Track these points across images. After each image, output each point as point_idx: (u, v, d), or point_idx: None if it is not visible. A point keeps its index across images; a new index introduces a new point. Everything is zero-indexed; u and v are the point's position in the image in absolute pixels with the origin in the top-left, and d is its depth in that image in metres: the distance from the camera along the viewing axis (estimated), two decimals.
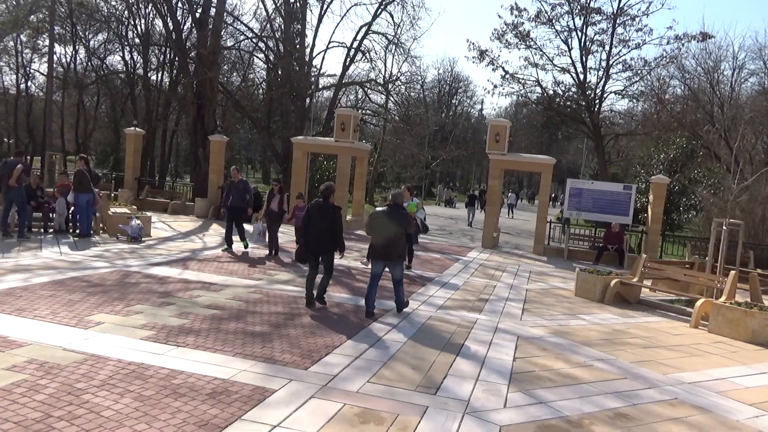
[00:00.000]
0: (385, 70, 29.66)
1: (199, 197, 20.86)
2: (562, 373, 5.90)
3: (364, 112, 34.70)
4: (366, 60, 29.68)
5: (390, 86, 30.86)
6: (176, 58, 25.70)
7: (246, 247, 12.25)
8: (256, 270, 10.22)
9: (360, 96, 35.63)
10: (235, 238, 12.17)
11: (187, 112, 24.85)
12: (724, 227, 10.29)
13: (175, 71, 31.68)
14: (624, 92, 21.41)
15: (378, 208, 7.85)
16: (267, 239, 12.58)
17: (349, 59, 29.14)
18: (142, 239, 12.53)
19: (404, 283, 8.15)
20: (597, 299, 10.41)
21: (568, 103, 21.46)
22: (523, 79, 21.72)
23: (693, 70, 30.44)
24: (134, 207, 16.32)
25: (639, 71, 20.73)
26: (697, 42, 19.68)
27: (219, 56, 22.92)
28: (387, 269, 7.71)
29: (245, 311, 7.17)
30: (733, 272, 9.30)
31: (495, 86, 23.18)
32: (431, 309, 8.39)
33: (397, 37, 29.40)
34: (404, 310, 7.99)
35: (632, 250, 17.93)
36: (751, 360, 7.24)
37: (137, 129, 21.80)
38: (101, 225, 13.39)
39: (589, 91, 21.00)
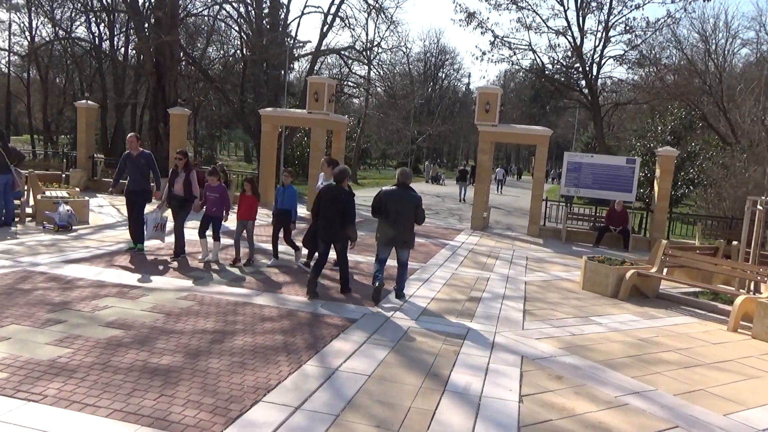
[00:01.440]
0: (367, 38, 27.43)
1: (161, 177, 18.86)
2: (589, 422, 4.20)
3: (345, 83, 32.59)
4: (346, 26, 27.52)
5: (372, 55, 28.71)
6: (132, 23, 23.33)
7: (138, 248, 8.97)
8: (203, 265, 8.42)
9: (341, 68, 33.38)
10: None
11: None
12: (760, 207, 8.62)
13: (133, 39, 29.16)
14: (623, 58, 19.60)
15: (384, 188, 7.22)
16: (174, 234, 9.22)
17: (326, 25, 26.92)
18: (73, 228, 10.63)
19: (378, 279, 7.17)
20: (609, 293, 8.74)
21: (564, 69, 19.63)
22: (514, 44, 19.82)
23: (689, 38, 28.73)
24: (76, 189, 14.35)
25: (641, 34, 18.91)
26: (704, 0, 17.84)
27: (178, 19, 20.64)
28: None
29: (160, 330, 5.37)
30: None
31: (484, 53, 21.29)
32: (411, 316, 6.65)
33: (379, 2, 27.23)
34: (382, 311, 6.31)
35: (635, 230, 16.34)
36: None
37: (89, 102, 19.61)
38: (29, 212, 11.46)
39: (587, 56, 19.18)
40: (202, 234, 8.62)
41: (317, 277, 7.15)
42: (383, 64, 32.29)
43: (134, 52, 28.65)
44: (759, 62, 37.70)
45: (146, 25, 20.82)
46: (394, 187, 7.17)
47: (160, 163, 20.14)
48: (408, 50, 54.90)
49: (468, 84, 78.09)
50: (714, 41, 36.49)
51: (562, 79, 19.83)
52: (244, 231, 8.74)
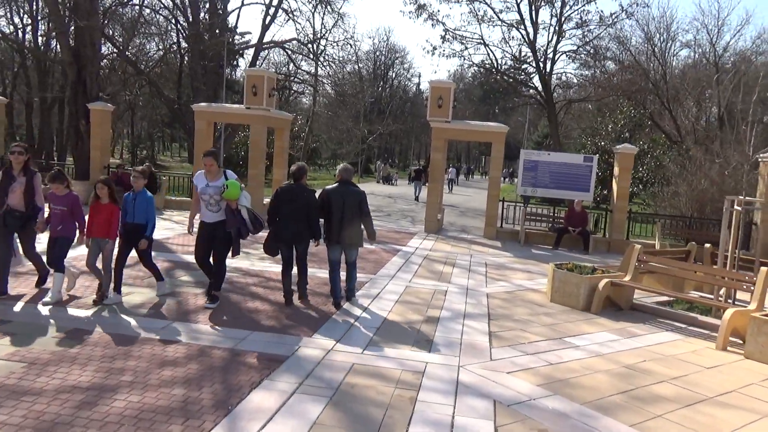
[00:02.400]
0: (313, 32, 26.04)
1: (79, 180, 16.93)
2: None
3: (292, 80, 31.07)
4: (290, 18, 26.05)
5: (318, 50, 27.35)
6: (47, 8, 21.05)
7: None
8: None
9: (288, 65, 31.78)
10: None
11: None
12: (737, 207, 7.87)
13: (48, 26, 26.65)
14: (577, 53, 19.04)
15: (328, 187, 7.02)
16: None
17: (268, 17, 25.43)
18: None
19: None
20: (581, 306, 7.79)
21: (517, 63, 18.90)
22: (466, 37, 18.94)
23: (631, 38, 28.71)
24: None
25: (594, 28, 18.39)
26: None
27: (98, 3, 18.59)
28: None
29: (9, 390, 3.94)
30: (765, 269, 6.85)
31: (434, 47, 20.31)
32: (357, 345, 5.43)
33: None
34: (321, 338, 5.03)
35: (592, 231, 15.69)
36: None
37: None
38: None
39: (540, 52, 18.50)
40: (54, 263, 6.27)
41: (290, 282, 6.89)
42: (331, 61, 30.93)
43: (54, 42, 26.08)
44: (696, 64, 38.75)
45: (63, 11, 18.74)
46: (336, 184, 6.95)
47: (82, 166, 18.41)
48: (356, 47, 53.78)
49: (419, 84, 77.61)
50: (659, 41, 37.17)
51: (516, 74, 19.12)
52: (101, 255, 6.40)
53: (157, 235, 11.48)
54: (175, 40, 27.81)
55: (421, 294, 7.99)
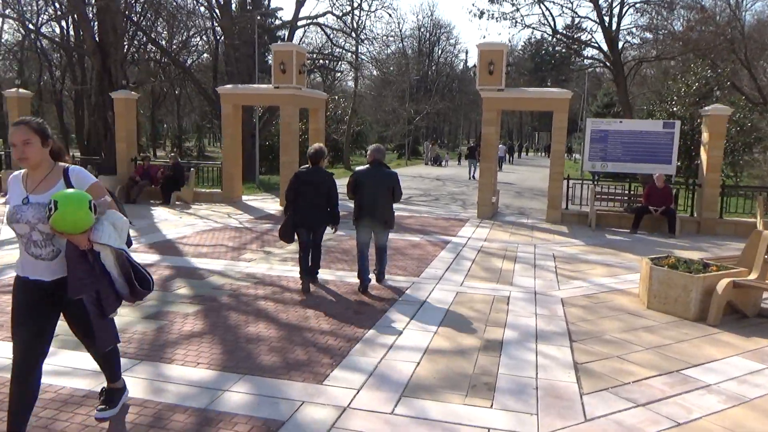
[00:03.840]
0: (351, 4, 24.27)
1: (107, 174, 16.00)
2: None
3: (331, 59, 29.47)
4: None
5: (358, 27, 25.57)
6: None
7: None
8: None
9: (326, 44, 30.19)
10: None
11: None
12: None
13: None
14: (648, 2, 16.43)
15: (359, 168, 6.88)
16: None
17: None
18: None
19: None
20: (693, 315, 5.85)
21: (576, 21, 16.59)
22: None
23: None
24: None
25: None
26: None
27: None
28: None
29: None
30: None
31: (482, 12, 18.17)
32: (383, 405, 3.77)
33: None
34: (334, 386, 3.42)
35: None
36: None
37: (21, 90, 16.68)
38: None
39: (605, 4, 16.08)
40: None
41: (307, 264, 6.64)
42: (372, 38, 29.10)
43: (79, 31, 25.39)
44: None
45: None
46: (367, 166, 6.71)
47: (110, 160, 17.52)
48: (399, 20, 51.62)
49: (466, 60, 74.67)
50: None
51: (575, 34, 16.79)
52: None
53: (174, 233, 10.29)
54: (210, 26, 26.75)
55: (476, 303, 6.25)
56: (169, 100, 43.17)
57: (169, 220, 11.70)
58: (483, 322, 5.60)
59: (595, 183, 13.15)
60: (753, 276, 6.07)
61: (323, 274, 7.28)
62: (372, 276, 6.85)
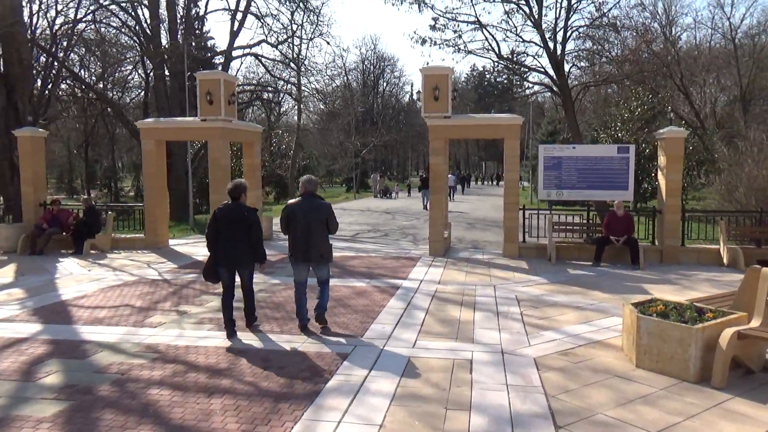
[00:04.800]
0: (286, 32, 23.24)
1: (11, 221, 14.10)
2: None
3: (271, 92, 28.28)
4: (262, 24, 23.31)
5: (296, 53, 24.56)
6: None
7: None
8: None
9: (264, 75, 28.97)
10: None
11: None
12: None
13: None
14: (593, 26, 16.16)
15: (290, 201, 6.43)
16: None
17: (237, 23, 22.72)
18: None
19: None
20: (693, 376, 4.81)
21: (521, 45, 16.13)
22: (460, 20, 16.15)
23: (637, 20, 25.89)
24: None
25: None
26: None
27: (20, 8, 15.66)
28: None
29: None
30: None
31: (424, 39, 17.51)
32: None
33: None
34: None
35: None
36: None
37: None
38: None
39: (548, 30, 15.67)
40: None
41: (231, 312, 6.23)
42: (315, 70, 28.19)
43: None
44: (702, 44, 36.01)
45: None
46: (299, 198, 6.39)
47: (16, 202, 15.53)
48: (342, 54, 51.27)
49: (411, 93, 75.17)
50: (666, 23, 34.44)
51: (519, 60, 16.26)
52: None
53: (73, 291, 8.66)
54: (139, 59, 25.13)
55: (432, 373, 5.02)
56: (104, 139, 40.82)
57: (73, 275, 10.01)
58: (442, 403, 4.37)
59: (551, 212, 12.34)
60: (756, 323, 5.11)
61: (245, 337, 5.93)
62: (311, 315, 6.47)
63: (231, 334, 6.11)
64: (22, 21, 15.67)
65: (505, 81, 79.92)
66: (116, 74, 25.10)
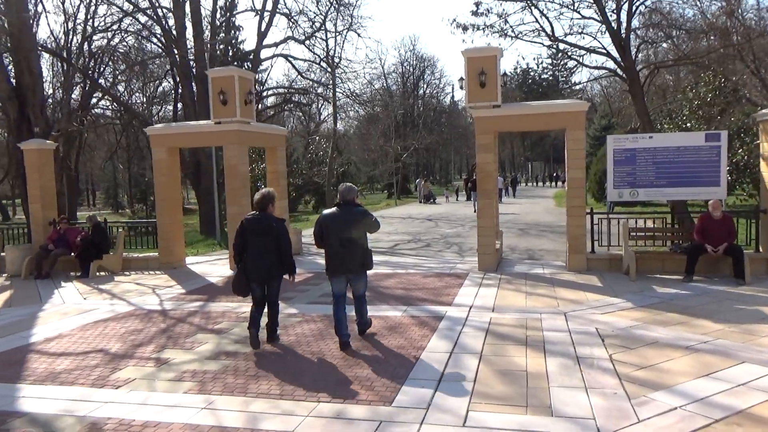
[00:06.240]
0: (313, 26, 21.78)
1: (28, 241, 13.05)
2: None
3: (305, 95, 26.92)
4: (290, 25, 21.96)
5: (329, 54, 23.06)
6: None
7: None
8: None
9: (297, 79, 27.65)
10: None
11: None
12: None
13: None
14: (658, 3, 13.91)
15: (326, 211, 6.15)
16: None
17: (264, 24, 21.44)
18: None
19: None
20: None
21: (574, 27, 14.09)
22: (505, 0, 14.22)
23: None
24: None
25: None
26: None
27: (27, 14, 14.68)
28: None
29: None
30: None
31: (465, 27, 15.62)
32: None
33: None
34: None
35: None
36: None
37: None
38: None
39: (610, 5, 13.51)
40: None
41: (258, 326, 5.98)
42: (350, 72, 26.70)
43: None
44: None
45: None
46: (334, 208, 6.04)
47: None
48: (380, 56, 49.80)
49: (453, 95, 73.02)
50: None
51: (577, 41, 14.17)
52: None
53: (50, 329, 7.19)
54: (168, 68, 24.23)
55: None
56: (143, 152, 40.58)
57: (65, 305, 8.64)
58: None
59: (608, 215, 10.23)
60: None
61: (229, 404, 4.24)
62: (354, 327, 6.28)
63: (256, 345, 5.95)
64: (28, 26, 14.69)
65: (551, 77, 76.73)
66: (142, 83, 24.26)
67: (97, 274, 11.39)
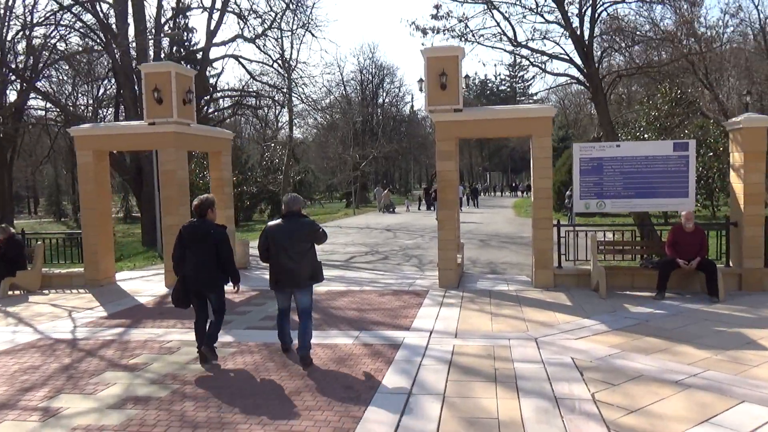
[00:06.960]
0: (265, 30, 20.67)
1: None
2: None
3: (257, 98, 25.71)
4: (242, 23, 20.81)
5: (283, 56, 21.97)
6: None
7: None
8: None
9: (249, 82, 26.38)
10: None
11: None
12: None
13: None
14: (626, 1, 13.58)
15: (271, 222, 5.83)
16: None
17: (214, 22, 20.24)
18: None
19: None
20: None
21: (536, 34, 13.65)
22: (465, 0, 13.60)
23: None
24: None
25: None
26: None
27: None
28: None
29: None
30: None
31: (424, 30, 14.94)
32: None
33: None
34: None
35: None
36: None
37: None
38: None
39: (572, 10, 13.06)
40: None
41: (204, 336, 5.69)
42: (306, 74, 25.64)
43: None
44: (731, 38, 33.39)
45: None
46: (279, 220, 5.72)
47: None
48: (336, 62, 49.03)
49: (412, 105, 72.80)
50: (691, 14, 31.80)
51: (542, 40, 13.68)
52: None
53: None
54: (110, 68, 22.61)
55: None
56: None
57: None
58: None
59: (574, 227, 9.65)
60: None
61: None
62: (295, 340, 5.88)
63: (204, 359, 5.68)
64: None
65: (508, 89, 77.60)
66: (82, 83, 22.57)
67: (10, 293, 10.03)
